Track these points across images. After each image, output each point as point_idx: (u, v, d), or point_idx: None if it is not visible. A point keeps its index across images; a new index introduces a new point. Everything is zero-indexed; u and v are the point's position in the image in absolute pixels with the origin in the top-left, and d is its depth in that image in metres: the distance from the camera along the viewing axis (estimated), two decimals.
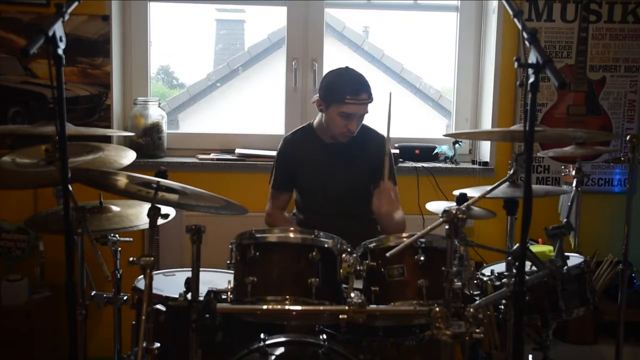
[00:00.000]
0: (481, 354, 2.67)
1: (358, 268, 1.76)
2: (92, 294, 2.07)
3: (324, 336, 1.86)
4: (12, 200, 3.00)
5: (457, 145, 3.24)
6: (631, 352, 2.84)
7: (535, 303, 2.03)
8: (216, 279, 2.11)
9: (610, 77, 3.24)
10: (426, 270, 1.78)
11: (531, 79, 1.34)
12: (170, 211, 1.91)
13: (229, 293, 1.71)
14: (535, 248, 2.59)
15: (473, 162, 3.32)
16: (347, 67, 2.53)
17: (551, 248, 2.03)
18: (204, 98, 3.86)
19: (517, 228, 1.56)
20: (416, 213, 3.04)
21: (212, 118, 3.88)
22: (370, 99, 2.45)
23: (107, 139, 2.89)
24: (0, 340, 2.74)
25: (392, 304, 1.78)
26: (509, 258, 1.90)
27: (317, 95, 2.55)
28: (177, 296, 1.65)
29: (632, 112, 3.26)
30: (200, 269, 1.64)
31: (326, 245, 1.78)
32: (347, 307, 1.60)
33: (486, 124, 3.27)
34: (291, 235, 1.80)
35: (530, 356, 2.23)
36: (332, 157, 2.61)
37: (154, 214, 1.68)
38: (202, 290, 1.64)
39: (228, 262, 1.84)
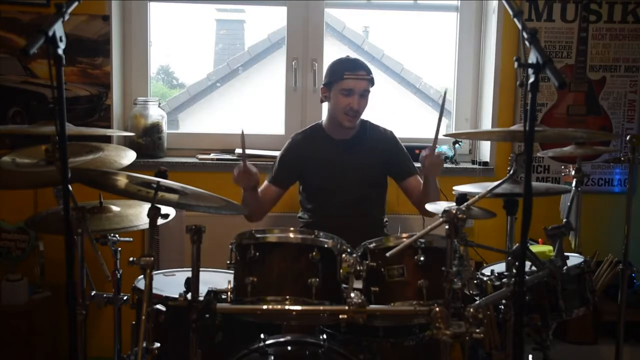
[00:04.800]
0: (481, 354, 2.67)
1: (358, 268, 1.76)
2: (92, 294, 2.07)
3: (324, 336, 1.86)
4: (12, 200, 3.00)
5: (457, 145, 3.24)
6: (631, 352, 2.84)
7: (535, 303, 2.03)
8: (216, 279, 2.11)
9: (610, 77, 3.24)
10: (426, 270, 1.78)
11: (531, 79, 1.34)
12: (170, 211, 1.91)
13: (229, 293, 1.71)
14: (535, 248, 2.59)
15: (473, 162, 3.32)
16: (347, 55, 2.66)
17: (551, 248, 2.03)
18: (204, 98, 3.86)
19: (517, 228, 1.55)
20: (416, 213, 3.03)
21: (212, 118, 3.88)
22: (369, 76, 2.55)
23: (107, 139, 2.89)
24: (0, 340, 2.74)
25: (392, 304, 1.78)
26: (509, 258, 1.90)
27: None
28: (177, 296, 1.65)
29: (632, 112, 3.26)
30: (200, 269, 1.65)
31: (326, 245, 1.78)
32: (347, 307, 1.60)
33: (486, 124, 3.27)
34: (291, 235, 1.80)
35: (530, 356, 2.23)
36: (343, 154, 2.63)
37: (154, 214, 1.68)
38: (202, 290, 1.64)
39: (228, 262, 1.84)
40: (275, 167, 2.69)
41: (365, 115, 2.72)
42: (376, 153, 2.66)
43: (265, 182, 2.67)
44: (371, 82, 2.56)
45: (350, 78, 2.52)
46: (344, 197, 2.60)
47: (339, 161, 2.61)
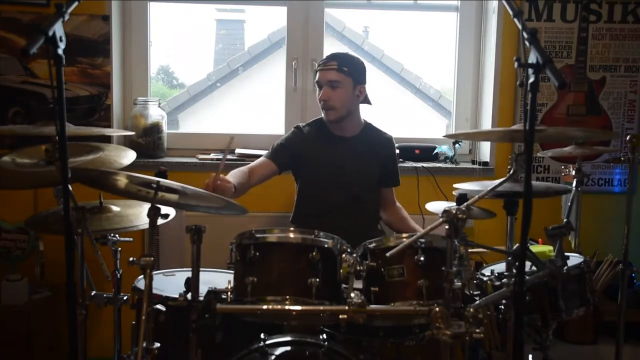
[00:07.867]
0: (481, 354, 2.67)
1: (358, 268, 1.76)
2: (92, 294, 2.06)
3: (324, 336, 1.86)
4: (12, 200, 3.00)
5: (457, 145, 3.24)
6: (631, 352, 2.84)
7: (535, 303, 2.03)
8: (216, 279, 2.11)
9: (610, 77, 3.24)
10: (426, 270, 1.78)
11: (531, 79, 1.34)
12: (170, 211, 1.91)
13: (229, 293, 1.71)
14: (535, 248, 2.59)
15: (473, 162, 3.32)
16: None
17: (551, 248, 2.03)
18: (204, 98, 3.86)
19: (517, 228, 1.55)
20: (416, 213, 3.04)
21: (212, 118, 3.88)
22: (336, 65, 2.51)
23: (107, 139, 2.89)
24: (0, 340, 2.74)
25: (392, 304, 1.78)
26: (509, 258, 1.90)
27: None
28: (177, 296, 1.65)
29: (632, 112, 3.26)
30: (200, 269, 1.64)
31: (326, 245, 1.78)
32: (347, 307, 1.60)
33: (486, 124, 3.27)
34: (291, 235, 1.80)
35: (530, 356, 2.23)
36: (341, 150, 2.63)
37: (154, 214, 1.68)
38: (202, 290, 1.64)
39: (228, 262, 1.84)
40: (276, 146, 2.67)
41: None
42: (375, 155, 2.67)
43: (262, 158, 2.66)
44: (341, 71, 2.51)
45: (319, 70, 2.57)
46: (339, 195, 2.59)
47: (338, 158, 2.61)
